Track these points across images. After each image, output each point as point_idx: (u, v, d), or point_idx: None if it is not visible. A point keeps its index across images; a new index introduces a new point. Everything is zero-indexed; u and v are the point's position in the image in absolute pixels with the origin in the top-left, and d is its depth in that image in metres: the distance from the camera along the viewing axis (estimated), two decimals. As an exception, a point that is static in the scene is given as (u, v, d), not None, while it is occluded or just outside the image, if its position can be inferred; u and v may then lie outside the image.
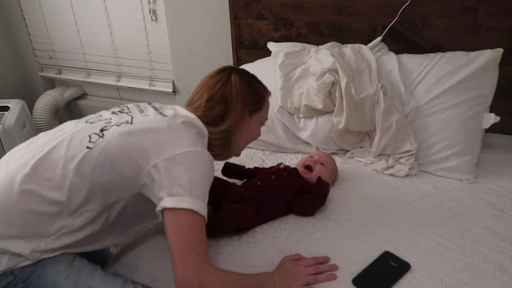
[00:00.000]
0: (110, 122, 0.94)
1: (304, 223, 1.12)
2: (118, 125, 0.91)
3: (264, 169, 1.29)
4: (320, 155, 1.32)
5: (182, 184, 0.83)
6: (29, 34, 2.46)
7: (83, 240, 0.91)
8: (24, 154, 0.91)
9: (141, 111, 0.99)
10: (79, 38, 2.34)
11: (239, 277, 0.90)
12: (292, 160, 1.47)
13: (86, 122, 0.97)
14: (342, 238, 1.05)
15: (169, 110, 1.00)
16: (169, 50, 2.12)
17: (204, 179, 0.89)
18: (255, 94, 1.06)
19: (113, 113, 0.99)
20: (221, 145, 1.03)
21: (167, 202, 0.83)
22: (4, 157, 0.96)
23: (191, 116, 0.99)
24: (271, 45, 1.77)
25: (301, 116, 1.49)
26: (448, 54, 1.46)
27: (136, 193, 0.90)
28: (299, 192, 1.16)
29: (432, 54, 1.48)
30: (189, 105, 1.05)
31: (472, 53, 1.43)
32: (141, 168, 0.86)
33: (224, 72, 1.04)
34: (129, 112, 0.98)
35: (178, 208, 0.83)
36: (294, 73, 1.52)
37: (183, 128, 0.92)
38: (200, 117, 1.00)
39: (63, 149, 0.89)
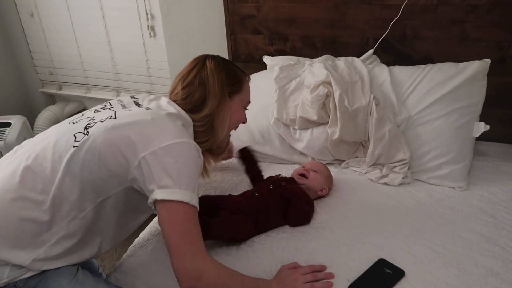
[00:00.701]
0: (94, 119, 0.94)
1: (300, 232, 1.14)
2: (102, 121, 0.92)
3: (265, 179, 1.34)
4: (312, 163, 1.36)
5: (171, 176, 0.85)
6: (30, 51, 2.51)
7: (81, 243, 0.92)
8: (11, 162, 0.92)
9: (124, 106, 1.00)
10: (79, 55, 2.38)
11: (236, 273, 0.91)
12: (289, 171, 1.50)
13: (69, 123, 0.98)
14: (338, 246, 1.08)
15: (152, 103, 1.02)
16: (167, 65, 2.17)
17: (193, 169, 0.89)
18: (232, 75, 1.09)
19: (96, 111, 1.00)
20: (205, 131, 1.06)
21: (157, 194, 0.84)
22: None
23: (175, 106, 1.01)
24: (266, 59, 1.82)
25: (296, 127, 1.53)
26: (438, 65, 1.50)
27: (127, 187, 0.91)
28: (291, 198, 1.19)
29: (422, 66, 1.52)
30: (171, 94, 1.08)
31: (461, 64, 1.47)
32: (130, 162, 0.87)
33: (199, 59, 1.08)
34: (112, 108, 0.99)
35: (169, 200, 0.84)
36: (289, 86, 1.56)
37: (168, 120, 0.93)
38: (181, 105, 1.02)
39: (49, 152, 0.90)
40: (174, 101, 1.04)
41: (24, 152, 0.92)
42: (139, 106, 1.00)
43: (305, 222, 1.18)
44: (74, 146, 0.89)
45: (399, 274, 0.98)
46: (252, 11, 1.79)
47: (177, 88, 1.06)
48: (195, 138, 0.99)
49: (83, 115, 1.00)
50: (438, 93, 1.43)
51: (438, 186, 1.38)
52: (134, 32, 2.16)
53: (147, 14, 2.07)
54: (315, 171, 1.31)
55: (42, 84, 2.61)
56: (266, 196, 1.17)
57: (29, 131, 2.16)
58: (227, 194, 1.26)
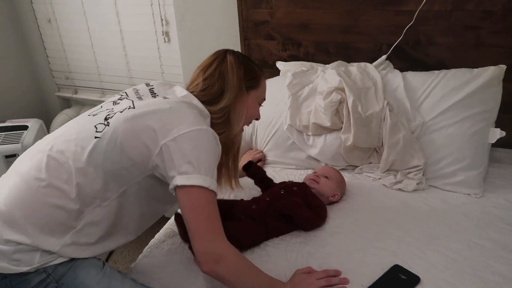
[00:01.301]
0: (113, 110, 0.96)
1: (314, 237, 1.15)
2: (121, 112, 0.94)
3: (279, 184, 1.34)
4: (323, 169, 1.37)
5: (190, 162, 0.87)
6: (47, 56, 2.56)
7: (106, 232, 0.95)
8: (35, 154, 0.94)
9: (140, 98, 1.01)
10: (94, 60, 2.43)
11: (253, 265, 0.94)
12: (302, 176, 1.51)
13: (89, 115, 1.00)
14: (351, 251, 1.08)
15: (169, 93, 1.04)
16: (182, 70, 2.19)
17: (211, 155, 0.92)
18: (250, 71, 1.10)
19: (114, 102, 1.02)
20: (222, 123, 1.07)
21: (178, 180, 0.87)
22: (16, 161, 0.99)
23: (191, 96, 1.03)
24: (280, 64, 1.83)
25: (310, 133, 1.54)
26: (452, 71, 1.50)
27: (148, 176, 0.93)
28: (309, 206, 1.19)
29: (436, 71, 1.52)
30: (190, 84, 1.09)
31: (476, 70, 1.47)
32: (151, 150, 0.89)
33: (219, 53, 1.10)
34: (128, 97, 1.01)
35: (189, 185, 0.87)
36: (302, 92, 1.57)
37: (185, 108, 0.95)
38: (198, 97, 1.04)
39: (71, 144, 0.92)
40: (192, 92, 1.06)
41: (46, 144, 0.95)
42: (154, 96, 1.02)
43: (315, 227, 1.18)
44: (96, 137, 0.91)
45: (414, 280, 0.98)
46: (266, 17, 1.80)
47: (198, 79, 1.07)
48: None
49: (101, 107, 1.03)
50: (453, 99, 1.42)
51: (453, 192, 1.37)
52: (149, 37, 2.19)
53: (162, 20, 2.10)
54: (326, 177, 1.31)
55: (58, 88, 2.66)
56: (277, 201, 1.18)
57: (45, 134, 2.20)
58: (240, 198, 1.27)
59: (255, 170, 1.37)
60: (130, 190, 0.94)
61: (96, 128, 0.93)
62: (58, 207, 0.89)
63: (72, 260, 0.92)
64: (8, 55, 2.44)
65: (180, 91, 1.05)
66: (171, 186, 0.89)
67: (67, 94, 2.61)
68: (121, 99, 1.02)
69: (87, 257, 0.95)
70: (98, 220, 0.93)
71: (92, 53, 2.41)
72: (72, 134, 0.95)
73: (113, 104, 1.01)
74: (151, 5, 2.08)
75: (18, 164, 0.98)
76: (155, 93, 1.04)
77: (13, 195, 0.90)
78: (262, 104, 1.19)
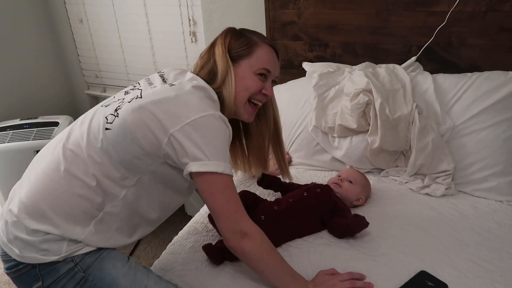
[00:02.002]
0: (123, 101, 0.97)
1: (338, 239, 1.13)
2: (129, 102, 0.94)
3: (298, 185, 1.32)
4: (347, 172, 1.34)
5: (201, 149, 0.87)
6: (78, 55, 2.64)
7: (126, 221, 0.97)
8: (55, 146, 0.97)
9: (150, 83, 1.02)
10: (123, 59, 2.48)
11: (277, 252, 0.95)
12: (326, 178, 1.49)
13: (102, 106, 1.01)
14: (377, 256, 1.06)
15: (177, 78, 1.02)
16: (207, 69, 2.21)
17: (221, 139, 0.92)
18: (240, 40, 1.06)
19: (126, 92, 1.02)
20: (222, 102, 1.05)
21: (192, 167, 0.88)
22: (38, 155, 1.02)
23: (198, 79, 1.02)
24: (306, 65, 1.82)
25: (335, 135, 1.52)
26: (486, 74, 1.45)
27: (162, 163, 0.94)
28: (333, 208, 1.18)
29: (468, 74, 1.48)
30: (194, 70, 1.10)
31: (511, 73, 1.41)
32: (160, 140, 0.89)
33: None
34: (139, 87, 1.01)
35: (203, 172, 0.88)
36: (328, 94, 1.56)
37: (191, 94, 0.94)
38: (201, 75, 1.05)
39: (85, 135, 0.94)
40: (196, 73, 1.06)
41: (64, 137, 0.97)
42: (164, 81, 1.01)
43: (337, 237, 1.15)
44: (106, 128, 0.93)
45: (441, 287, 0.94)
46: (293, 18, 1.80)
47: (198, 58, 1.09)
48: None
49: (114, 97, 1.04)
50: (486, 103, 1.37)
51: (484, 199, 1.32)
52: (176, 37, 2.22)
53: (189, 20, 2.12)
54: (350, 181, 1.29)
55: (88, 86, 2.73)
56: (300, 203, 1.17)
57: (75, 130, 2.26)
58: (265, 196, 1.27)
59: (269, 181, 1.33)
60: (144, 178, 0.95)
61: (107, 119, 0.94)
62: (79, 196, 0.91)
63: (99, 251, 0.94)
64: (42, 54, 2.52)
65: (187, 74, 1.05)
66: (185, 172, 0.90)
67: (96, 92, 2.68)
68: (132, 89, 1.02)
69: (113, 248, 0.97)
70: (117, 209, 0.94)
71: (121, 52, 2.46)
72: (86, 125, 0.96)
73: (125, 94, 1.02)
74: (179, 5, 2.11)
75: (40, 157, 1.01)
76: (165, 79, 1.03)
77: (35, 187, 0.93)
78: (264, 75, 1.07)
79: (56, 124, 2.15)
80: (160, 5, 2.18)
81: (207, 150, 0.88)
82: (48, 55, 2.57)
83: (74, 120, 2.27)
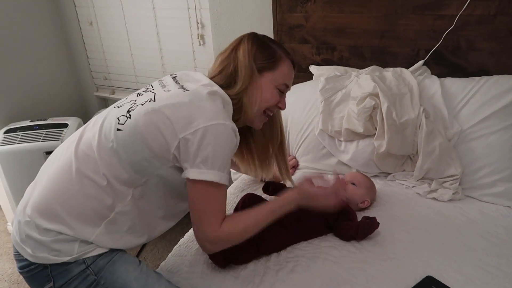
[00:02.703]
0: (136, 103, 0.98)
1: (344, 242, 1.13)
2: (142, 104, 0.95)
3: None
4: (352, 175, 1.34)
5: (205, 157, 0.89)
6: (88, 57, 2.67)
7: (136, 222, 0.98)
8: (68, 147, 0.99)
9: (163, 86, 1.02)
10: (132, 61, 2.50)
11: (248, 216, 1.00)
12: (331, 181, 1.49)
13: (114, 107, 1.03)
14: (383, 260, 1.06)
15: (190, 84, 1.01)
16: (215, 72, 2.22)
17: (227, 150, 0.93)
18: (266, 51, 1.05)
19: (138, 94, 1.04)
20: (238, 109, 1.05)
21: (190, 173, 0.90)
22: (52, 155, 1.04)
23: (212, 83, 1.01)
24: (313, 68, 1.82)
25: (342, 139, 1.51)
26: (494, 78, 1.44)
27: (170, 167, 0.95)
28: (340, 211, 1.17)
29: (477, 78, 1.47)
30: (209, 72, 1.09)
31: (520, 77, 1.40)
32: (169, 143, 0.90)
33: (240, 37, 1.08)
34: (152, 90, 1.02)
35: (201, 180, 0.89)
36: (335, 97, 1.55)
37: (206, 101, 0.94)
38: (216, 80, 1.03)
39: (97, 135, 0.95)
40: (212, 77, 1.05)
41: (77, 137, 0.99)
42: (177, 83, 1.02)
43: (345, 240, 1.16)
44: (118, 129, 0.94)
45: (448, 293, 0.94)
46: (301, 21, 1.80)
47: (215, 62, 1.08)
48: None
49: (126, 98, 1.05)
50: (494, 107, 1.36)
51: (492, 204, 1.31)
52: (185, 40, 2.24)
53: (197, 23, 2.14)
54: (354, 183, 1.29)
55: (97, 88, 2.76)
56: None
57: (84, 132, 2.29)
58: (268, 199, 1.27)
59: (275, 188, 1.32)
60: (152, 180, 0.96)
61: (119, 120, 0.95)
62: (90, 196, 0.92)
63: (111, 254, 0.95)
64: (52, 56, 2.56)
65: (202, 78, 1.05)
66: (183, 175, 0.92)
67: (105, 94, 2.70)
68: (145, 91, 1.03)
69: (124, 251, 0.98)
70: (127, 209, 0.95)
71: (130, 55, 2.49)
72: (98, 126, 0.98)
73: (137, 96, 1.03)
74: (188, 9, 2.13)
75: (53, 157, 1.02)
76: (178, 82, 1.03)
77: (47, 187, 0.94)
78: (282, 90, 1.10)
79: (65, 125, 2.17)
80: (168, 8, 2.20)
81: (210, 158, 0.89)
82: (58, 57, 2.60)
83: (83, 121, 2.31)
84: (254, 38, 1.06)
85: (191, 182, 0.91)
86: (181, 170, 0.95)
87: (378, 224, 1.13)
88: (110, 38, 2.51)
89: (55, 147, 1.98)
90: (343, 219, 1.17)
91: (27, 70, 2.40)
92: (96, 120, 1.02)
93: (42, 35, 2.47)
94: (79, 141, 0.97)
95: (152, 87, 1.05)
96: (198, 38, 2.17)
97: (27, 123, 2.17)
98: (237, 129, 0.96)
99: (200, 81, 1.03)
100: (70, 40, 2.63)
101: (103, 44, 2.55)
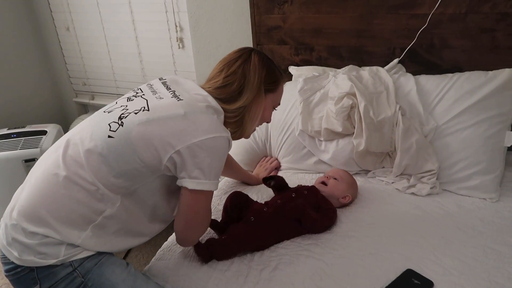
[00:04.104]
0: (127, 109, 0.97)
1: (326, 239, 1.15)
2: (136, 113, 0.95)
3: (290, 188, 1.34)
4: (334, 171, 1.37)
5: (202, 169, 0.92)
6: (66, 63, 2.63)
7: (123, 226, 0.98)
8: (54, 151, 0.98)
9: (154, 92, 1.02)
10: (111, 66, 2.48)
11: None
12: (313, 180, 1.50)
13: (104, 112, 1.02)
14: (364, 255, 1.07)
15: (183, 92, 1.01)
16: (195, 75, 2.22)
17: (222, 161, 0.98)
18: (272, 74, 1.10)
19: (129, 99, 1.03)
20: (235, 123, 1.08)
21: (188, 184, 0.93)
22: (36, 163, 1.03)
23: (205, 94, 1.02)
24: (292, 69, 1.84)
25: (322, 139, 1.53)
26: (467, 74, 1.48)
27: (160, 175, 0.97)
28: (318, 209, 1.19)
29: (450, 74, 1.51)
30: (208, 81, 1.09)
31: (491, 72, 1.45)
32: (162, 156, 0.91)
33: (245, 51, 1.09)
34: (143, 95, 1.01)
35: (198, 189, 0.93)
36: (314, 98, 1.57)
37: (201, 114, 0.95)
38: (215, 93, 1.04)
39: (86, 141, 0.94)
40: (207, 88, 1.05)
41: (64, 142, 0.98)
42: (168, 90, 1.02)
43: (324, 229, 1.18)
44: (109, 136, 0.93)
45: (427, 285, 0.96)
46: (278, 22, 1.82)
47: (219, 76, 1.06)
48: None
49: (116, 103, 1.04)
50: (467, 102, 1.40)
51: (468, 197, 1.35)
52: (164, 44, 2.23)
53: (176, 26, 2.13)
54: (335, 178, 1.31)
55: (76, 94, 2.73)
56: (288, 204, 1.18)
57: (63, 139, 2.25)
58: (256, 195, 1.30)
59: (278, 183, 1.33)
60: (141, 188, 0.97)
61: (110, 126, 0.95)
62: (77, 200, 0.92)
63: (98, 256, 0.95)
64: (28, 62, 2.51)
65: (194, 87, 1.05)
66: (178, 183, 0.94)
67: (84, 99, 2.67)
68: (135, 96, 1.02)
69: (110, 253, 0.98)
70: (115, 214, 0.95)
71: (108, 59, 2.46)
72: (88, 131, 0.97)
73: (127, 101, 1.02)
74: (166, 12, 2.12)
75: (41, 161, 1.01)
76: (170, 88, 1.03)
77: (33, 192, 0.94)
78: (276, 109, 1.19)
79: (44, 132, 2.14)
80: (146, 12, 2.19)
81: (207, 170, 0.92)
82: (35, 64, 2.56)
83: (63, 128, 2.28)
84: (263, 60, 1.09)
85: (188, 190, 0.94)
86: (171, 177, 0.96)
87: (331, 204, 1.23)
88: (88, 43, 2.48)
89: (34, 155, 1.97)
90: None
91: (3, 77, 2.35)
92: (85, 125, 1.01)
93: (17, 41, 2.42)
94: (67, 146, 0.96)
95: (142, 91, 1.04)
96: (177, 41, 2.17)
97: (4, 131, 2.13)
98: (231, 139, 1.00)
99: (191, 90, 1.03)
100: (47, 46, 2.59)
101: (81, 49, 2.52)
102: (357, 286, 0.98)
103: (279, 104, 1.19)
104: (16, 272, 0.92)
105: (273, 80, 1.10)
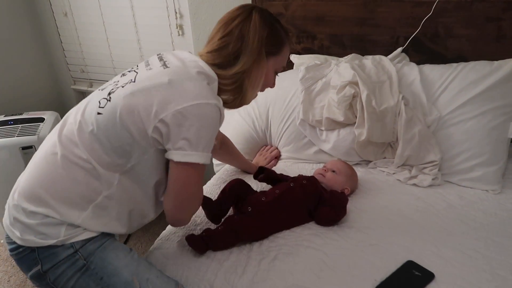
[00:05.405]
0: (117, 84, 0.95)
1: (326, 229, 1.13)
2: (123, 86, 0.92)
3: (288, 177, 1.32)
4: (332, 163, 1.34)
5: (188, 139, 0.87)
6: (63, 50, 2.59)
7: (125, 208, 0.97)
8: (54, 133, 0.97)
9: (147, 65, 0.98)
10: (109, 53, 2.44)
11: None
12: (313, 170, 1.49)
13: (99, 89, 1.00)
14: (364, 246, 1.06)
15: (174, 60, 0.96)
16: (195, 63, 2.19)
17: (210, 129, 0.90)
18: (275, 35, 1.00)
19: (123, 74, 1.00)
20: (233, 90, 1.00)
21: (174, 155, 0.89)
22: (43, 142, 1.02)
23: (199, 61, 0.96)
24: (294, 57, 1.81)
25: (323, 128, 1.51)
26: (471, 64, 1.45)
27: (155, 150, 0.93)
28: (319, 199, 1.18)
29: (454, 64, 1.48)
30: (206, 45, 1.02)
31: (496, 62, 1.42)
32: (146, 126, 0.87)
33: (245, 8, 0.99)
34: (136, 69, 0.98)
35: (184, 162, 0.88)
36: (315, 87, 1.55)
37: (186, 80, 0.90)
38: (209, 58, 0.97)
39: (79, 120, 0.93)
40: (204, 53, 0.99)
41: (62, 122, 0.98)
42: (160, 61, 0.97)
43: (330, 225, 1.17)
44: (98, 113, 0.91)
45: (428, 277, 0.95)
46: (280, 10, 1.78)
47: (216, 36, 0.98)
48: (219, 96, 0.98)
49: (112, 80, 1.02)
50: (471, 93, 1.38)
51: (470, 188, 1.34)
52: (163, 30, 2.19)
53: (176, 13, 2.09)
54: (333, 171, 1.29)
55: (74, 81, 2.69)
56: (286, 194, 1.17)
57: (61, 126, 2.23)
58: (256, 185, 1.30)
59: (268, 175, 1.31)
60: (139, 166, 0.94)
61: (100, 103, 0.93)
62: (76, 179, 0.91)
63: (101, 240, 0.94)
64: (25, 49, 2.47)
65: (188, 55, 0.99)
66: (166, 156, 0.91)
67: (83, 87, 2.64)
68: (130, 71, 0.99)
69: (113, 237, 0.98)
70: (115, 193, 0.94)
71: (107, 46, 2.43)
72: (81, 110, 0.96)
73: (121, 76, 0.99)
74: (165, -2, 2.08)
75: (43, 144, 1.00)
76: (162, 58, 0.99)
77: (33, 172, 0.94)
78: (278, 72, 1.08)
79: (41, 120, 2.11)
80: (146, -3, 2.15)
81: (194, 140, 0.87)
82: (32, 50, 2.52)
83: (61, 115, 2.25)
84: (265, 18, 0.98)
85: (174, 163, 0.90)
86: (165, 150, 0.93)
87: (341, 193, 1.19)
88: (86, 30, 2.44)
89: (31, 142, 1.95)
90: (321, 205, 1.17)
91: (0, 63, 2.32)
92: (81, 104, 0.99)
93: (14, 27, 2.38)
94: (62, 126, 0.96)
95: (137, 67, 1.01)
96: (177, 28, 2.13)
97: (1, 118, 2.10)
98: (222, 106, 0.93)
99: (185, 58, 0.98)
100: (45, 32, 2.55)
101: (79, 35, 2.48)
102: (357, 277, 0.97)
103: (282, 67, 1.08)
104: (18, 252, 0.92)
105: (277, 42, 1.00)
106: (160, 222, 1.09)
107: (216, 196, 1.21)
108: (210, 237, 1.06)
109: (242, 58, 0.97)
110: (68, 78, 2.67)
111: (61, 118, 2.23)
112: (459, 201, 1.27)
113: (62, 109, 2.60)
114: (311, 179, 1.25)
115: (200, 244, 1.06)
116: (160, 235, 1.19)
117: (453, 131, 1.38)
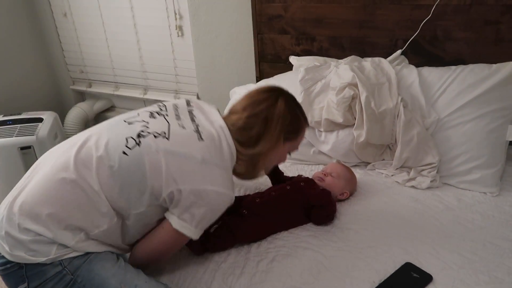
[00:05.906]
0: (148, 127, 0.96)
1: (324, 231, 1.14)
2: (155, 136, 0.94)
3: (289, 178, 1.32)
4: (332, 167, 1.34)
5: (194, 215, 0.92)
6: (63, 50, 2.59)
7: (118, 240, 0.97)
8: (68, 149, 0.95)
9: (178, 117, 1.00)
10: (109, 54, 2.45)
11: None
12: (312, 172, 1.49)
13: (124, 121, 0.99)
14: (363, 248, 1.06)
15: (205, 123, 1.00)
16: (194, 64, 2.19)
17: (215, 216, 0.97)
18: (295, 123, 1.07)
19: (151, 115, 1.00)
20: (247, 166, 1.05)
21: (174, 222, 0.93)
22: (44, 156, 1.00)
23: (226, 132, 0.99)
24: (293, 59, 1.81)
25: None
26: (470, 67, 1.46)
27: (156, 205, 0.94)
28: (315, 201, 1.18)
29: (453, 67, 1.49)
30: (232, 114, 1.05)
31: (494, 65, 1.43)
32: (164, 187, 0.90)
33: (273, 93, 1.05)
34: (166, 115, 1.00)
35: (180, 231, 0.93)
36: (315, 88, 1.55)
37: (216, 167, 0.94)
38: (235, 133, 1.01)
39: (101, 150, 0.92)
40: (231, 125, 1.02)
41: (82, 142, 0.95)
42: (192, 121, 1.00)
43: (327, 224, 1.17)
44: (124, 152, 0.92)
45: (426, 279, 0.96)
46: (280, 11, 1.79)
47: (242, 114, 1.03)
48: (233, 169, 1.03)
49: (138, 114, 1.01)
50: (470, 95, 1.39)
51: (468, 191, 1.34)
52: (163, 31, 2.20)
53: (175, 14, 2.10)
54: (333, 175, 1.29)
55: (73, 82, 2.69)
56: (283, 196, 1.17)
57: (60, 126, 2.23)
58: (249, 193, 1.27)
59: (275, 171, 1.32)
60: (138, 215, 0.95)
61: (127, 141, 0.93)
62: (79, 207, 0.90)
63: (87, 253, 0.93)
64: (25, 49, 2.48)
65: (217, 118, 1.02)
66: (166, 215, 0.95)
67: (82, 87, 2.64)
68: (159, 114, 1.01)
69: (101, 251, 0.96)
70: (111, 229, 0.94)
71: (106, 47, 2.43)
72: (104, 138, 0.95)
73: (150, 117, 1.00)
74: (165, -1, 2.09)
75: (50, 156, 0.98)
76: (194, 119, 1.01)
77: (38, 190, 0.91)
78: (290, 154, 1.15)
79: (40, 120, 2.11)
80: (145, -2, 2.16)
81: (197, 218, 0.92)
82: (32, 50, 2.52)
83: (60, 116, 2.25)
84: (289, 106, 1.04)
85: (169, 225, 0.94)
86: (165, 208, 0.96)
87: (327, 191, 1.20)
88: (85, 30, 2.45)
89: (30, 143, 1.95)
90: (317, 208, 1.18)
91: (-1, 63, 2.32)
92: (103, 129, 0.98)
93: (13, 27, 2.38)
94: (81, 147, 0.94)
95: (166, 110, 1.02)
96: (177, 29, 2.14)
97: (0, 118, 2.10)
98: (234, 198, 0.99)
99: (214, 121, 1.01)
100: (44, 32, 2.55)
101: (78, 36, 2.49)
102: (355, 279, 0.97)
103: (297, 149, 1.15)
104: (6, 268, 0.90)
105: (296, 129, 1.08)
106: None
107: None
108: (207, 238, 1.05)
109: (262, 142, 1.02)
110: (67, 78, 2.67)
111: (60, 118, 2.24)
112: (457, 204, 1.27)
113: (61, 110, 2.60)
114: (309, 181, 1.25)
115: (197, 245, 1.05)
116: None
117: (451, 134, 1.39)
